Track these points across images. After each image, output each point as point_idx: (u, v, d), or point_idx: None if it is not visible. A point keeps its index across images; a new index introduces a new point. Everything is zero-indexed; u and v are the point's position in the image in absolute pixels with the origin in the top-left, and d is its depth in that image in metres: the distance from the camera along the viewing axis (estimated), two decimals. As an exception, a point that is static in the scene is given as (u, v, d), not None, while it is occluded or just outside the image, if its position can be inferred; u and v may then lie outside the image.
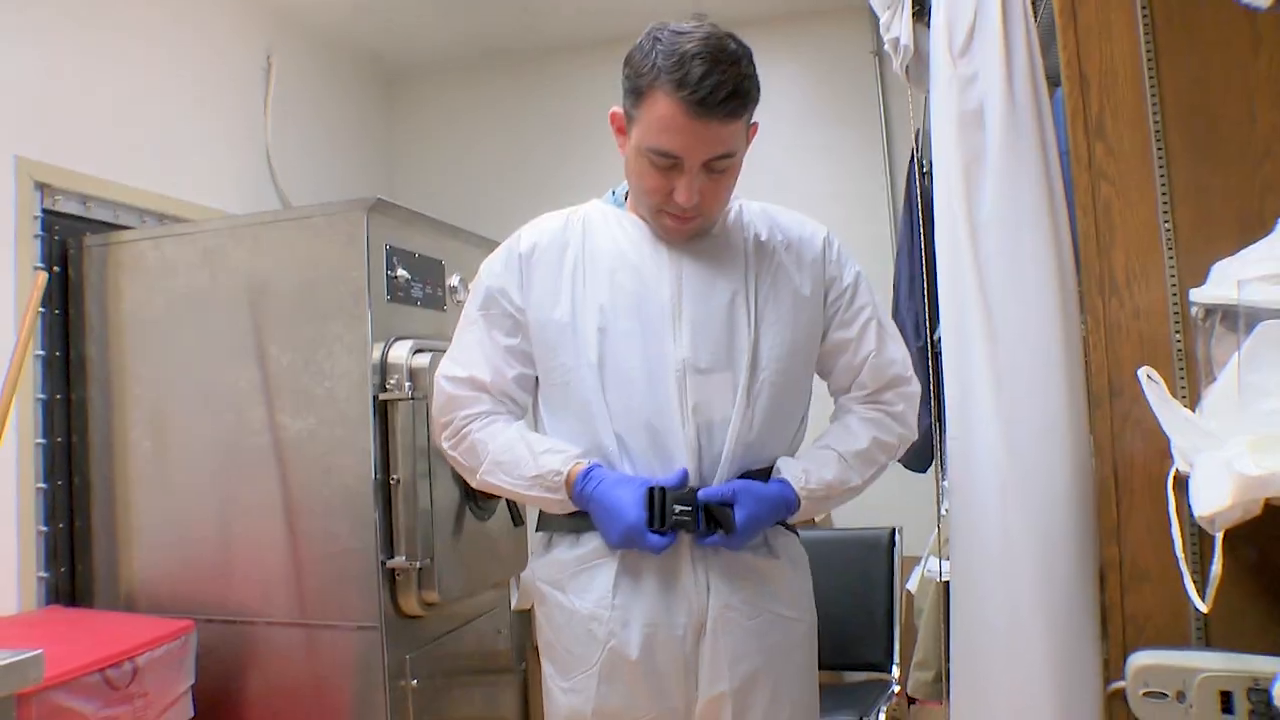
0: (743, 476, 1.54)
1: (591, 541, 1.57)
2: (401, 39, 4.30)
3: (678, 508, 1.49)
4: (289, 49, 3.86)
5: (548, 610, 1.63)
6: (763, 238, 1.63)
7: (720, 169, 1.50)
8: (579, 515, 1.57)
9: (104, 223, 2.89)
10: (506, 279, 1.65)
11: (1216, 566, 1.19)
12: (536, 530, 1.70)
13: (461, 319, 1.71)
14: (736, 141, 1.50)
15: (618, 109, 1.56)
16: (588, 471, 1.53)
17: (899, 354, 1.68)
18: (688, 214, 1.53)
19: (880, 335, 1.66)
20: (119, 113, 2.99)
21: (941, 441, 2.62)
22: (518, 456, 1.58)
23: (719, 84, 1.41)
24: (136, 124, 3.06)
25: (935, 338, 2.32)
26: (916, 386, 1.70)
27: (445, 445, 1.69)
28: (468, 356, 1.67)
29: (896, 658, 2.91)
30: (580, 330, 1.58)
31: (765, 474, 1.57)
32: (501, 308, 1.65)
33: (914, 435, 1.70)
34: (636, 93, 1.48)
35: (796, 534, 1.67)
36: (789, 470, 1.56)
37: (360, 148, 4.41)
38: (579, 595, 1.57)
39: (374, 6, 3.94)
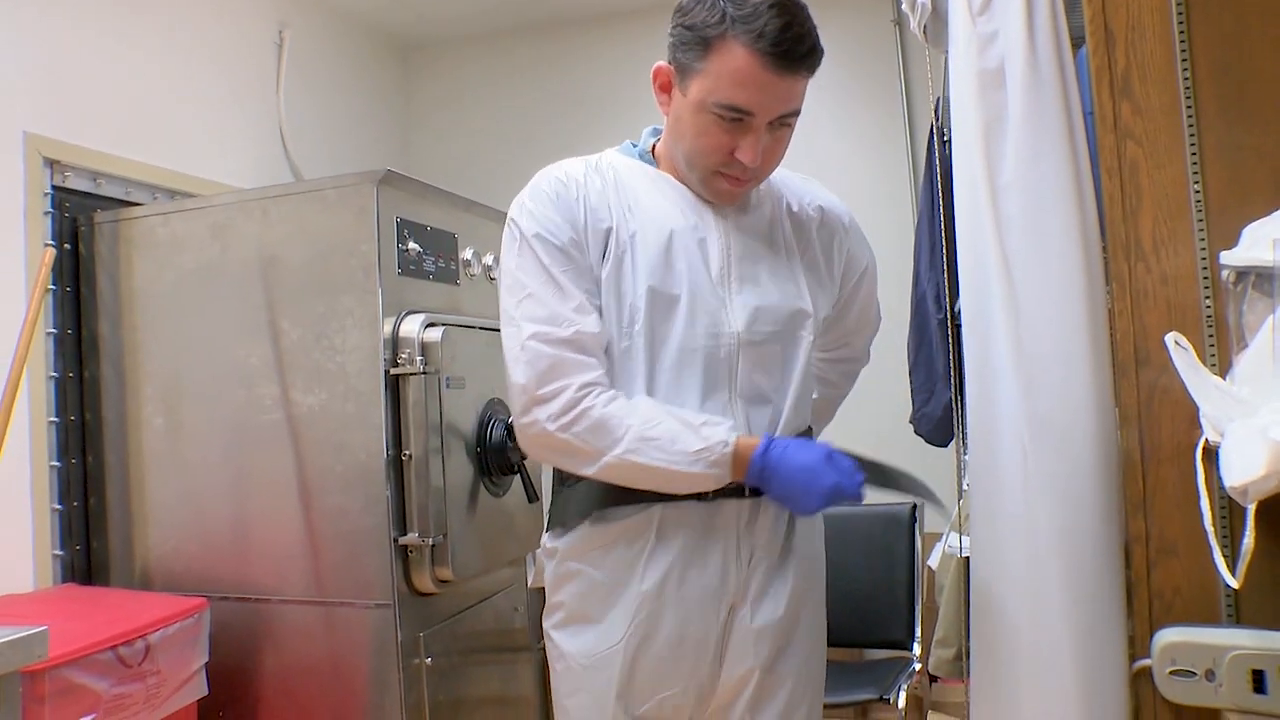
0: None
1: (623, 516, 1.49)
2: (416, 12, 4.26)
3: None
4: (302, 23, 3.83)
5: (575, 585, 1.54)
6: (794, 208, 1.60)
7: (786, 124, 1.45)
8: (602, 496, 1.49)
9: (115, 199, 2.86)
10: (558, 220, 1.47)
11: (1249, 539, 1.14)
12: (549, 522, 1.61)
13: (515, 276, 1.49)
14: (801, 98, 1.46)
15: (663, 64, 1.48)
16: (769, 442, 1.41)
17: (868, 342, 1.86)
18: (745, 175, 1.46)
19: (864, 317, 1.77)
20: (130, 89, 2.96)
21: (962, 416, 2.57)
22: (672, 431, 1.40)
23: (799, 36, 1.37)
24: (147, 100, 3.03)
25: (956, 310, 2.27)
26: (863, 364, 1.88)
27: (550, 426, 1.43)
28: (557, 311, 1.44)
29: (918, 635, 2.88)
30: (625, 296, 1.47)
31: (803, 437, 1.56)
32: (570, 256, 1.46)
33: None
34: (703, 44, 1.39)
35: None
36: None
37: (375, 121, 4.38)
38: (611, 570, 1.50)
39: (386, -21, 3.90)
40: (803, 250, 1.58)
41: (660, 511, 1.48)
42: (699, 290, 1.47)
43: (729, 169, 1.45)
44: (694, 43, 1.41)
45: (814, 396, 1.67)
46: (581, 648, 1.53)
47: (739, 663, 1.50)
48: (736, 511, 1.49)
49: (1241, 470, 1.05)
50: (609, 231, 1.48)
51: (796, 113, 1.45)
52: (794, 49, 1.37)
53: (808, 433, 1.60)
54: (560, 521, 1.57)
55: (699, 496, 1.46)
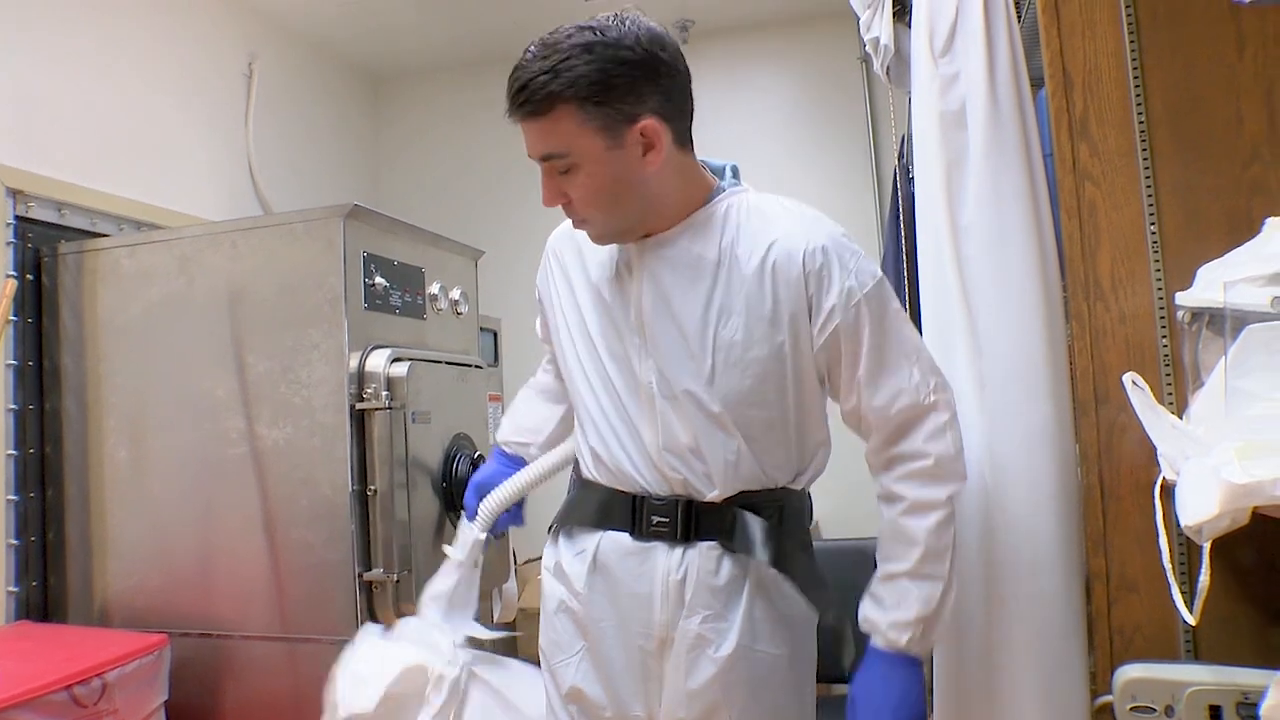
0: (739, 499, 1.46)
1: (581, 534, 1.57)
2: (387, 44, 4.27)
3: (655, 518, 1.47)
4: (272, 54, 3.83)
5: (546, 599, 1.63)
6: (739, 247, 1.44)
7: (562, 169, 1.40)
8: (572, 509, 1.60)
9: (80, 230, 2.84)
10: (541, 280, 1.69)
11: (1204, 577, 1.15)
12: (550, 526, 1.70)
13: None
14: (558, 141, 1.37)
15: None
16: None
17: (906, 379, 1.43)
18: (568, 214, 1.47)
19: (874, 365, 1.43)
20: (96, 119, 2.95)
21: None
22: None
23: (513, 80, 1.37)
24: (114, 130, 3.02)
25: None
26: (945, 407, 1.45)
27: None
28: None
29: (885, 669, 2.86)
30: (564, 344, 1.59)
31: (762, 495, 1.48)
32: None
33: (959, 462, 1.45)
34: None
35: (808, 552, 1.56)
36: (878, 635, 1.46)
37: (345, 154, 4.38)
38: (565, 586, 1.57)
39: (359, 11, 3.91)
40: (739, 297, 1.44)
41: (600, 540, 1.54)
42: (618, 340, 1.52)
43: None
44: None
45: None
46: (546, 656, 1.63)
47: (672, 710, 1.48)
48: (667, 555, 1.48)
49: (1195, 510, 1.06)
50: (557, 292, 1.70)
51: (559, 155, 1.38)
52: (513, 99, 1.37)
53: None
54: (552, 530, 1.66)
55: (633, 531, 1.50)
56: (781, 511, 1.50)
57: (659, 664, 1.50)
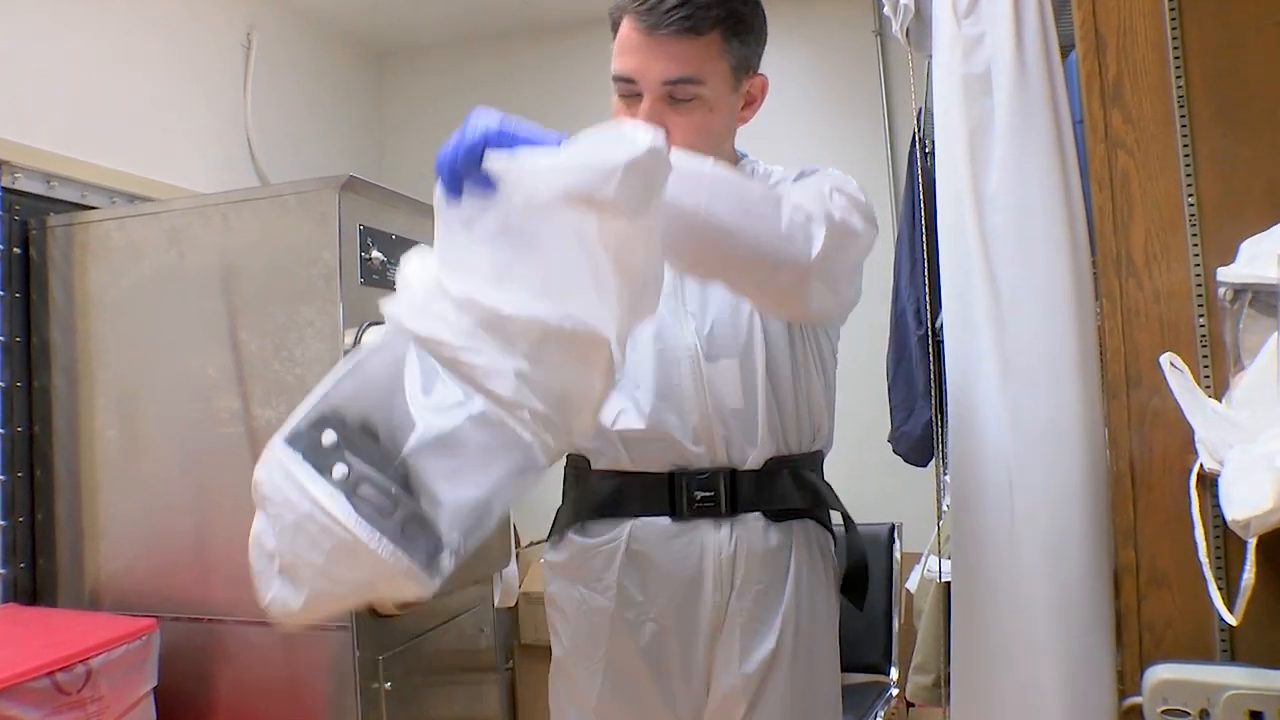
0: (774, 461, 1.43)
1: (599, 530, 1.47)
2: (390, 17, 4.17)
3: (699, 493, 1.41)
4: (271, 26, 3.73)
5: (558, 601, 1.53)
6: None
7: (684, 98, 1.33)
8: (586, 503, 1.48)
9: (70, 202, 2.75)
10: None
11: (1248, 575, 1.07)
12: (550, 529, 1.59)
13: None
14: (700, 66, 1.32)
15: None
16: None
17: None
18: None
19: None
20: (87, 88, 2.86)
21: (942, 435, 2.51)
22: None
23: None
24: (105, 100, 2.93)
25: (937, 325, 2.20)
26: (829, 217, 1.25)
27: None
28: None
29: (895, 659, 2.80)
30: None
31: (798, 459, 1.46)
32: None
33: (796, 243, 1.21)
34: (613, 30, 1.39)
35: (830, 531, 1.54)
36: None
37: (347, 128, 4.28)
38: (585, 585, 1.48)
39: (360, -17, 3.82)
40: None
41: (630, 528, 1.44)
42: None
43: None
44: (612, 36, 1.40)
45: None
46: (563, 667, 1.53)
47: (723, 693, 1.42)
48: (714, 532, 1.42)
49: (1245, 503, 0.98)
50: None
51: (692, 80, 1.31)
52: (666, 10, 1.29)
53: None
54: (556, 531, 1.56)
55: (672, 513, 1.42)
56: (817, 473, 1.51)
57: (708, 653, 1.43)
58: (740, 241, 1.14)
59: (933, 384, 2.36)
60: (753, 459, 1.42)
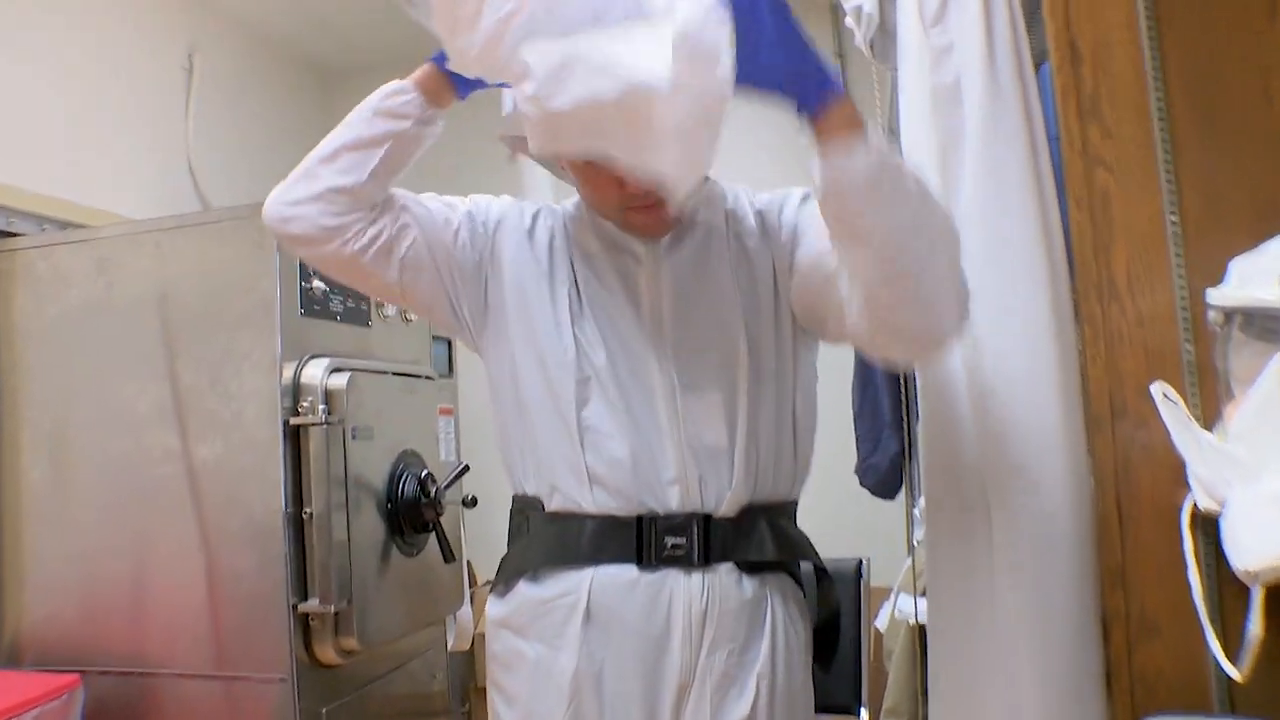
0: (751, 509, 1.33)
1: (555, 579, 1.34)
2: (339, 39, 4.06)
3: (669, 539, 1.29)
4: (214, 47, 3.60)
5: (506, 659, 1.39)
6: (743, 224, 1.41)
7: None
8: (537, 549, 1.36)
9: (-4, 230, 2.62)
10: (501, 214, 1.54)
11: (1255, 627, 0.97)
12: (494, 579, 1.46)
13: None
14: None
15: None
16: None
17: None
18: (650, 200, 1.27)
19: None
20: (16, 110, 2.72)
21: (909, 466, 2.41)
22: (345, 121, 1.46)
23: None
24: (38, 124, 2.79)
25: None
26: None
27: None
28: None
29: (865, 701, 2.68)
30: (526, 339, 1.39)
31: (775, 509, 1.36)
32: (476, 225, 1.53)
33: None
34: None
35: (800, 584, 1.44)
36: None
37: (295, 151, 4.01)
38: (542, 641, 1.34)
39: (307, 5, 3.70)
40: (749, 273, 1.39)
41: (592, 577, 1.32)
42: (630, 332, 1.36)
43: (631, 201, 1.30)
44: None
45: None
46: None
47: None
48: (684, 581, 1.30)
49: (1257, 552, 0.88)
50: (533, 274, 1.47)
51: None
52: None
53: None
54: (502, 580, 1.42)
55: (639, 561, 1.30)
56: (792, 522, 1.43)
57: (674, 713, 1.31)
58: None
59: (904, 414, 2.26)
60: (728, 504, 1.31)
